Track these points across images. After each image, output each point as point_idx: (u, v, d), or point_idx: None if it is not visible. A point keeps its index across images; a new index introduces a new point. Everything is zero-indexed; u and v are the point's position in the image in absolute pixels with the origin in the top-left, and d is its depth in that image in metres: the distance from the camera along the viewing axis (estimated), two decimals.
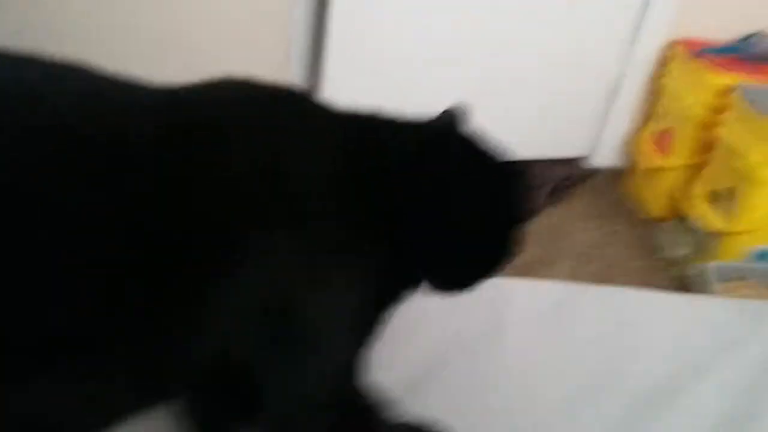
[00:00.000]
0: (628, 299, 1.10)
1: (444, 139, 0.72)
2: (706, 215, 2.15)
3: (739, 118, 2.03)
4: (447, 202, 0.69)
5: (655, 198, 2.48)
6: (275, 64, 2.38)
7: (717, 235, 2.12)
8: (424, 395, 0.86)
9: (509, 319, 1.00)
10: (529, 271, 2.13)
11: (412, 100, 2.31)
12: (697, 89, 2.23)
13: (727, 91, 2.11)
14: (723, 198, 2.12)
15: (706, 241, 2.19)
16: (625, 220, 2.44)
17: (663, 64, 2.48)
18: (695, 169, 2.30)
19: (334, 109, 0.68)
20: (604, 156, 2.70)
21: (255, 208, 0.55)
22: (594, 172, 0.75)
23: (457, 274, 0.76)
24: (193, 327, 0.53)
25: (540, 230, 2.31)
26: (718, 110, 2.15)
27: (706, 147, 2.24)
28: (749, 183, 1.98)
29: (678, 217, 2.39)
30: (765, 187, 1.95)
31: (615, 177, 2.67)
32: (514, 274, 2.09)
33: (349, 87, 2.31)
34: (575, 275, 2.14)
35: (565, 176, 0.77)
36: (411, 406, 0.77)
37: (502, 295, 1.05)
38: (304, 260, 0.57)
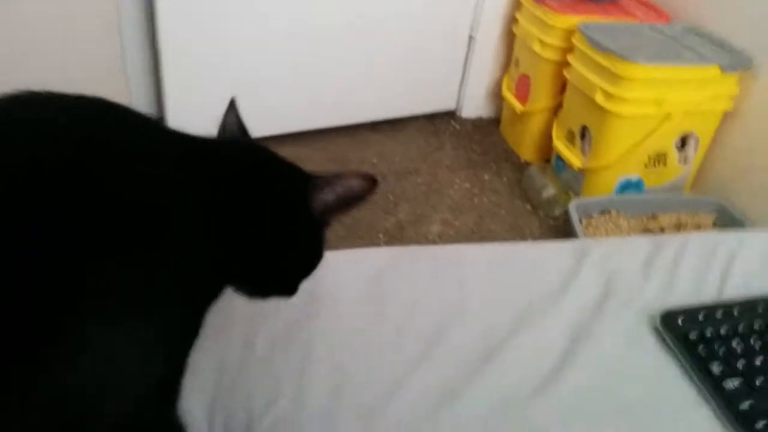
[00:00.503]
0: (445, 254, 1.10)
1: (238, 152, 0.72)
2: (566, 155, 2.20)
3: (581, 56, 2.07)
4: (253, 220, 0.67)
5: (522, 144, 2.53)
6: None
7: (580, 174, 2.17)
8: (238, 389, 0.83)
9: (324, 294, 0.97)
10: (402, 233, 2.13)
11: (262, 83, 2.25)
12: (545, 33, 2.26)
13: (573, 32, 2.15)
14: (579, 136, 2.17)
15: (571, 181, 2.25)
16: (495, 169, 2.48)
17: (514, 10, 2.50)
18: (555, 112, 2.35)
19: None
20: (470, 107, 2.72)
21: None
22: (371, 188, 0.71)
23: (271, 283, 0.76)
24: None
25: (410, 189, 2.33)
26: (567, 52, 2.19)
27: (562, 89, 2.29)
28: (598, 119, 2.04)
29: (545, 160, 2.44)
30: (613, 120, 2.00)
31: (483, 127, 2.70)
32: (387, 238, 2.11)
33: (190, 86, 2.22)
34: (448, 230, 2.16)
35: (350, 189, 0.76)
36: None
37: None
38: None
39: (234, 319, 0.93)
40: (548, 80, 2.32)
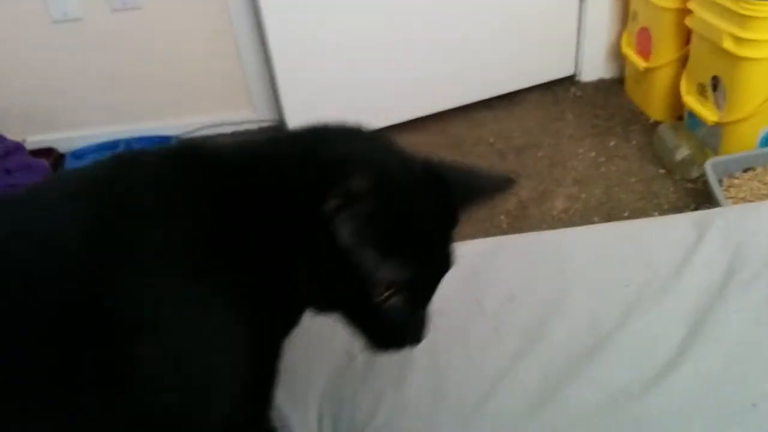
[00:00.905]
0: (545, 240, 1.04)
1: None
2: (698, 110, 2.02)
3: (703, 1, 1.88)
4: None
5: (650, 103, 2.35)
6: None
7: (717, 129, 1.99)
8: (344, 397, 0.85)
9: None
10: (525, 212, 2.06)
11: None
12: None
13: None
14: (711, 88, 1.98)
15: (707, 139, 2.06)
16: (622, 133, 2.32)
17: None
18: (683, 64, 2.16)
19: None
20: (590, 70, 2.57)
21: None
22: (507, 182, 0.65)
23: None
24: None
25: (534, 164, 2.25)
26: None
27: (686, 39, 2.10)
28: (730, 67, 1.85)
29: (677, 119, 2.26)
30: (747, 66, 1.80)
31: (606, 90, 2.54)
32: (509, 219, 2.05)
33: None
34: (573, 204, 2.06)
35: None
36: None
37: None
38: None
39: (336, 330, 0.95)
40: (670, 31, 2.13)
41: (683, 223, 1.05)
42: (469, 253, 1.06)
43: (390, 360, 0.88)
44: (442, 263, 0.63)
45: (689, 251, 0.97)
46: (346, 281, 0.59)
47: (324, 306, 0.65)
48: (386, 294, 0.59)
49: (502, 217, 2.06)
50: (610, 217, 1.96)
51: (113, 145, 2.40)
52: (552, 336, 0.88)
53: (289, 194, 0.58)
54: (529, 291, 0.95)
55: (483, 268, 1.00)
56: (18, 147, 1.81)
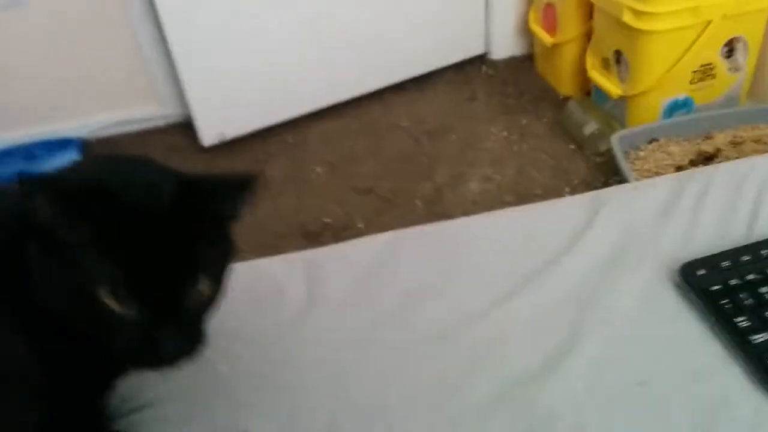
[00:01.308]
0: (438, 232, 1.03)
1: None
2: (603, 84, 2.05)
3: None
4: None
5: (558, 78, 2.38)
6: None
7: (622, 102, 2.03)
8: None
9: (322, 295, 0.94)
10: (440, 197, 2.06)
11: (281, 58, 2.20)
12: None
13: None
14: (614, 62, 2.01)
15: (614, 112, 2.10)
16: (533, 110, 2.35)
17: None
18: (587, 39, 2.19)
19: None
20: (500, 48, 2.58)
21: None
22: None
23: None
24: None
25: (448, 147, 2.25)
26: None
27: (590, 14, 2.12)
28: (631, 40, 1.88)
29: (584, 94, 2.29)
30: (647, 39, 1.84)
31: (517, 67, 2.56)
32: (425, 204, 2.04)
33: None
34: (489, 186, 2.07)
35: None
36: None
37: (314, 269, 0.98)
38: None
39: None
40: (574, 6, 2.15)
41: (575, 205, 1.05)
42: (366, 248, 1.05)
43: (288, 374, 0.85)
44: (175, 273, 0.60)
45: (578, 234, 0.98)
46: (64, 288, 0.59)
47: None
48: (114, 303, 0.58)
49: (418, 202, 2.05)
50: (522, 196, 1.98)
51: (11, 151, 2.27)
52: (447, 332, 0.87)
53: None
54: (426, 286, 0.93)
55: (380, 263, 0.98)
56: None
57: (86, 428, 0.70)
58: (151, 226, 0.59)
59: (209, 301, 0.65)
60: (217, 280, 0.65)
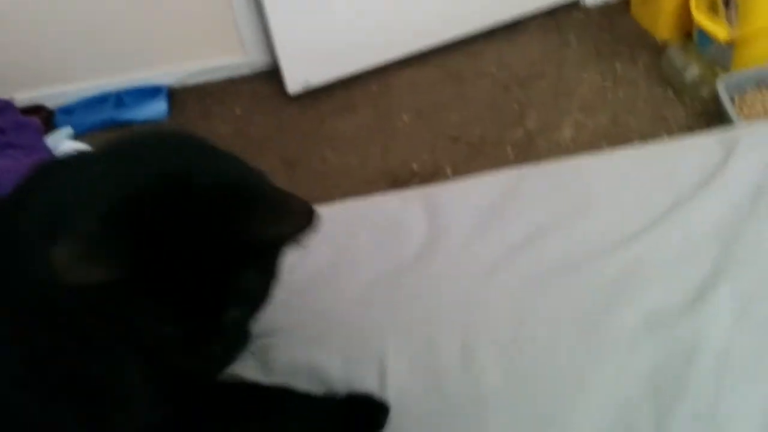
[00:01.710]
0: (570, 170, 1.00)
1: None
2: (709, 27, 1.94)
3: None
4: None
5: (657, 22, 2.26)
6: None
7: (728, 47, 1.92)
8: (361, 317, 0.82)
9: (443, 231, 0.93)
10: (532, 143, 2.01)
11: None
12: None
13: None
14: (723, 4, 1.90)
15: (718, 57, 1.99)
16: (629, 56, 2.25)
17: None
18: None
19: None
20: None
21: None
22: None
23: None
24: None
25: (538, 94, 2.18)
26: None
27: None
28: None
29: (686, 37, 2.18)
30: None
31: (611, 13, 2.45)
32: (516, 152, 2.00)
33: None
34: (581, 133, 2.00)
35: None
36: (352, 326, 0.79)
37: (436, 206, 0.97)
38: None
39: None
40: None
41: (705, 143, 1.00)
42: (487, 184, 1.03)
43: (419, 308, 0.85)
44: (209, 301, 0.57)
45: (714, 172, 0.93)
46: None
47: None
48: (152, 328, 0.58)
49: (508, 149, 2.01)
50: (619, 143, 1.90)
51: (102, 98, 2.32)
52: (581, 264, 0.85)
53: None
54: (554, 220, 0.91)
55: (503, 199, 0.96)
56: (8, 105, 1.74)
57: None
58: (180, 252, 0.54)
59: (250, 314, 0.63)
60: (258, 299, 0.63)
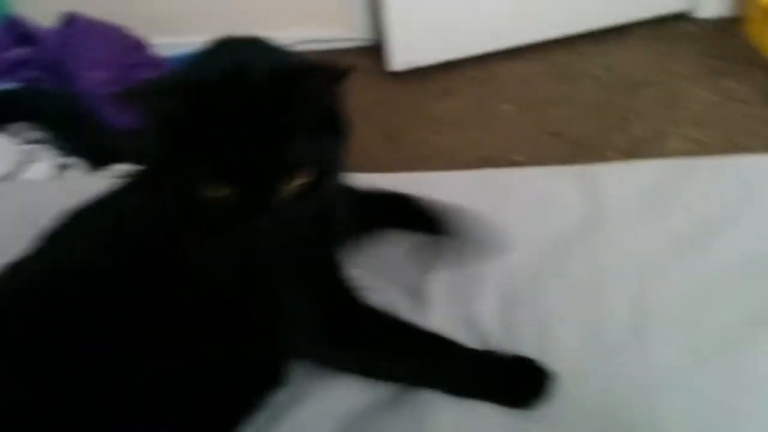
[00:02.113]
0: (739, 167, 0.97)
1: None
2: None
3: None
4: None
5: None
6: None
7: None
8: (522, 303, 0.82)
9: (606, 208, 0.91)
10: (637, 151, 1.98)
11: None
12: None
13: None
14: None
15: None
16: (742, 75, 2.20)
17: None
18: None
19: None
20: (708, 6, 2.42)
21: None
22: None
23: None
24: None
25: (646, 102, 2.15)
26: None
27: None
28: None
29: None
30: None
31: (724, 28, 2.40)
32: (620, 158, 1.98)
33: None
34: (691, 146, 1.97)
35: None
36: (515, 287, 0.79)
37: (596, 184, 0.95)
38: None
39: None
40: None
41: None
42: (650, 169, 1.01)
43: (583, 278, 0.84)
44: (268, 161, 0.62)
45: None
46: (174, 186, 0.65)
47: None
48: (212, 193, 0.63)
49: (611, 152, 1.98)
50: None
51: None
52: (754, 262, 0.83)
53: None
54: (724, 214, 0.89)
55: (668, 186, 0.94)
56: (143, 43, 1.77)
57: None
58: (243, 117, 0.61)
59: (313, 193, 0.65)
60: (323, 171, 0.66)
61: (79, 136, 1.38)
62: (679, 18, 2.46)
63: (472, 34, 2.33)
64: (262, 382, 0.75)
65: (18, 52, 1.65)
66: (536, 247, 0.89)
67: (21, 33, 1.68)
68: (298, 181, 0.64)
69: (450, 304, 0.83)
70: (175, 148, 0.63)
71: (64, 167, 1.35)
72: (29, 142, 1.39)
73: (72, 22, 1.67)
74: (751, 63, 2.23)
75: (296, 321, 0.73)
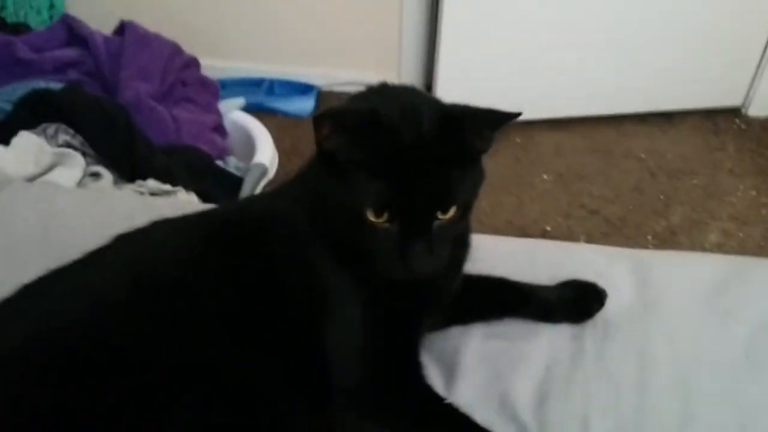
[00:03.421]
0: None
1: None
2: None
3: None
4: None
5: None
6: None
7: None
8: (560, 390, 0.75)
9: (660, 299, 0.86)
10: (674, 238, 1.92)
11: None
12: None
13: None
14: None
15: None
16: None
17: None
18: None
19: None
20: (761, 105, 2.39)
21: None
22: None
23: None
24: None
25: (687, 191, 2.10)
26: None
27: None
28: None
29: None
30: None
31: None
32: (656, 242, 1.92)
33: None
34: (729, 241, 1.91)
35: None
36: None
37: (645, 270, 0.90)
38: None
39: None
40: None
41: None
42: (708, 262, 0.96)
43: (629, 370, 0.78)
44: (431, 193, 0.67)
45: None
46: (341, 207, 0.70)
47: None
48: (376, 218, 0.67)
49: (649, 237, 1.93)
50: None
51: (256, 83, 2.36)
52: None
53: None
54: None
55: (728, 285, 0.88)
56: (193, 62, 1.76)
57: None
58: (413, 152, 0.67)
59: (456, 225, 0.71)
60: (466, 206, 0.71)
61: (115, 146, 1.35)
62: (730, 113, 2.43)
63: (517, 100, 2.29)
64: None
65: (67, 53, 1.64)
66: (582, 326, 0.83)
67: (73, 34, 1.68)
68: (451, 214, 0.69)
69: (485, 379, 0.77)
70: (351, 175, 0.67)
71: (95, 176, 1.32)
72: (63, 145, 1.36)
73: (126, 30, 1.67)
74: None
75: (355, 366, 0.73)
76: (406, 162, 0.66)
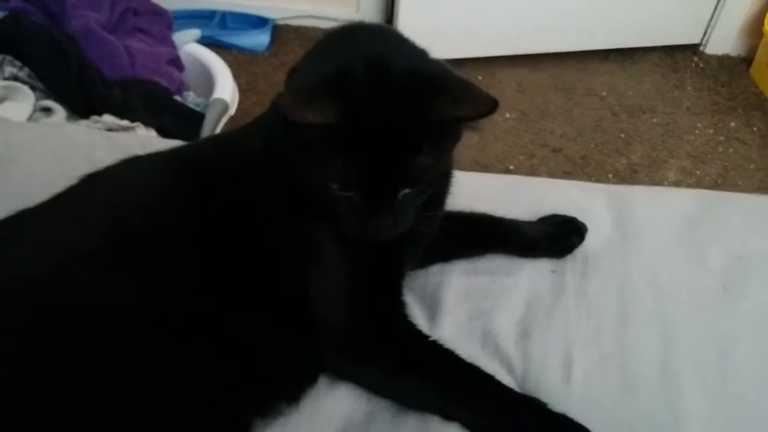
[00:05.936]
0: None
1: None
2: None
3: None
4: None
5: None
6: None
7: None
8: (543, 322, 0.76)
9: (637, 233, 0.86)
10: (634, 176, 1.95)
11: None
12: None
13: None
14: None
15: None
16: (744, 116, 2.19)
17: None
18: None
19: None
20: (718, 43, 2.41)
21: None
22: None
23: None
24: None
25: (647, 129, 2.12)
26: None
27: None
28: None
29: None
30: None
31: (731, 67, 2.39)
32: (617, 180, 1.94)
33: None
34: (686, 178, 1.94)
35: None
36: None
37: (622, 204, 0.90)
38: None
39: None
40: None
41: None
42: (682, 198, 0.97)
43: (610, 303, 0.79)
44: (395, 172, 0.65)
45: None
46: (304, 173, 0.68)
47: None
48: (339, 191, 0.66)
49: (610, 176, 1.95)
50: None
51: (207, 15, 2.25)
52: None
53: None
54: (758, 251, 0.85)
55: (700, 218, 0.89)
56: None
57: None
58: (378, 129, 0.62)
59: (426, 189, 0.69)
60: (435, 172, 0.68)
61: (66, 79, 1.27)
62: (688, 50, 2.44)
63: (480, 35, 2.27)
64: (296, 370, 0.72)
65: None
66: (562, 261, 0.83)
67: None
68: (417, 186, 0.66)
69: (468, 315, 0.77)
70: (314, 148, 0.64)
71: (46, 110, 1.24)
72: (10, 78, 1.27)
73: None
74: (754, 106, 2.23)
75: (339, 308, 0.72)
76: (371, 139, 0.63)
